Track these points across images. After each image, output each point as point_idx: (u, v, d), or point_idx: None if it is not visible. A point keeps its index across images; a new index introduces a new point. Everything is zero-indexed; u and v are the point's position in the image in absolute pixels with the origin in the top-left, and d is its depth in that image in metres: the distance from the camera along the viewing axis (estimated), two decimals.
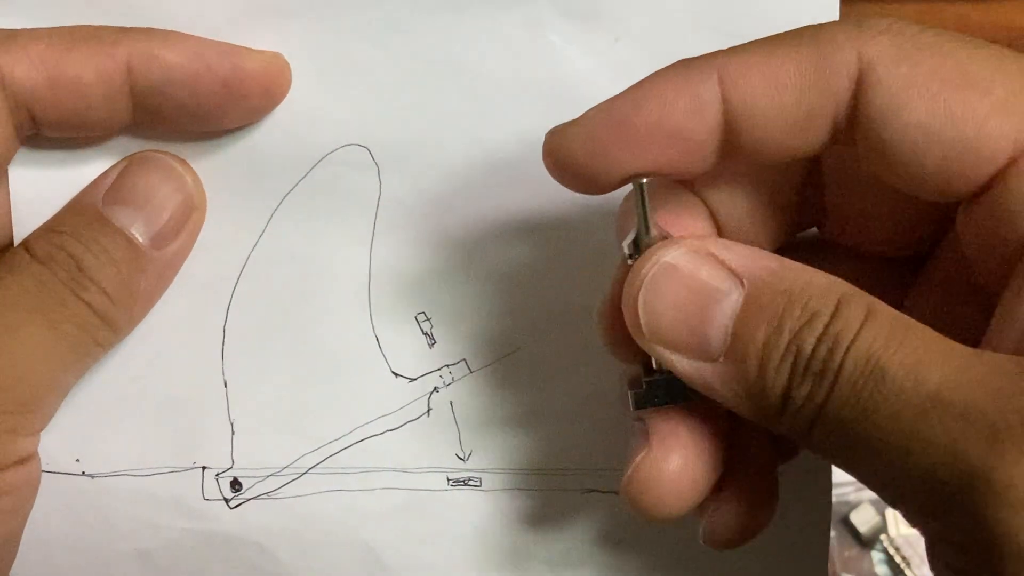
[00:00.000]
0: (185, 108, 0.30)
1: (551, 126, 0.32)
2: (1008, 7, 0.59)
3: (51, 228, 0.31)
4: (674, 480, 0.27)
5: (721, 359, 0.25)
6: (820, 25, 0.26)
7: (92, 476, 0.33)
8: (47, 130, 0.31)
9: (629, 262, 0.27)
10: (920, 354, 0.22)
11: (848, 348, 0.23)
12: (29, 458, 0.31)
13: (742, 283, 0.24)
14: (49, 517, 0.33)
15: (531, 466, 0.34)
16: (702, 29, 0.32)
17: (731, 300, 0.24)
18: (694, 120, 0.25)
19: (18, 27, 0.30)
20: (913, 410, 0.22)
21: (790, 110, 0.25)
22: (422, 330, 0.33)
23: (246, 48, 0.31)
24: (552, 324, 0.33)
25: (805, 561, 0.35)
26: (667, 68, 0.26)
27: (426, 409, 0.34)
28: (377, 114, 0.32)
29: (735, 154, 0.26)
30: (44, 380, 0.30)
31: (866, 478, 0.24)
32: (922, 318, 0.24)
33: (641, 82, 0.26)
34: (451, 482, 0.34)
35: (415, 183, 0.33)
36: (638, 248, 0.26)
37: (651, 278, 0.25)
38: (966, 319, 0.27)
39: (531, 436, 0.34)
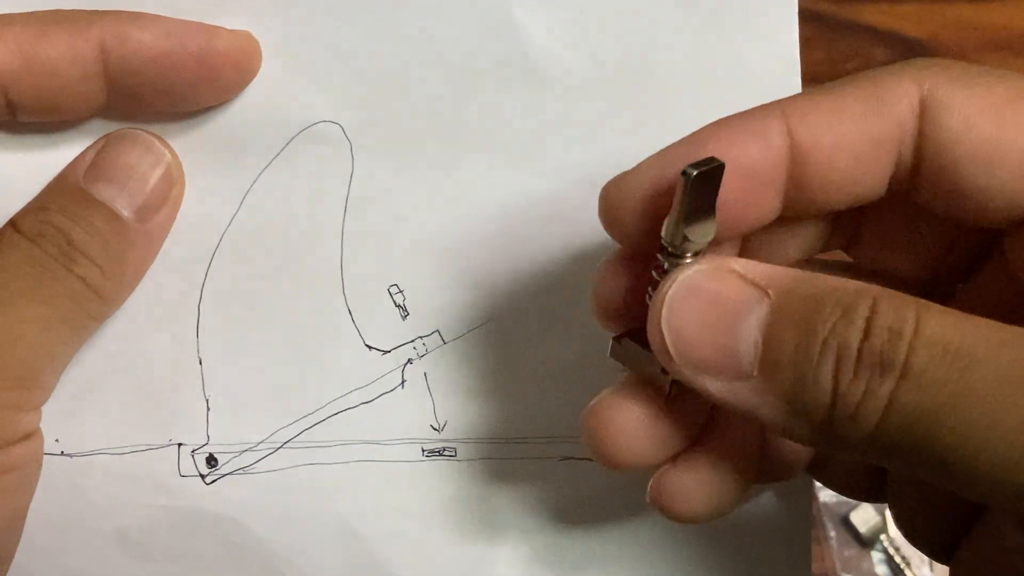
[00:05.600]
0: (158, 87, 0.31)
1: (520, 98, 0.33)
2: (1008, 7, 0.60)
3: (37, 206, 0.31)
4: (627, 428, 0.27)
5: (755, 374, 0.24)
6: (877, 68, 0.26)
7: (71, 456, 0.33)
8: (23, 115, 0.31)
9: (667, 254, 0.26)
10: (996, 329, 0.22)
11: (914, 336, 0.22)
12: (33, 434, 0.32)
13: (768, 294, 0.24)
14: None
15: (506, 435, 0.34)
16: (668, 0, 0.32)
17: (758, 312, 0.24)
18: (760, 155, 0.25)
19: None
20: (1015, 381, 0.21)
21: (855, 140, 0.25)
22: (395, 302, 0.34)
23: (217, 27, 0.31)
24: (525, 294, 0.34)
25: (789, 554, 0.35)
26: (728, 116, 0.26)
27: (400, 381, 0.34)
28: (348, 91, 0.32)
29: (800, 198, 0.26)
30: (42, 355, 0.30)
31: (945, 469, 0.22)
32: None
33: (702, 128, 0.26)
34: (426, 453, 0.34)
35: (387, 158, 0.33)
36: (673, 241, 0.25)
37: (672, 298, 0.25)
38: None
39: (505, 405, 0.34)
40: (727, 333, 0.24)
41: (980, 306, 0.28)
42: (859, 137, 0.25)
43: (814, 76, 0.59)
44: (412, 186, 0.33)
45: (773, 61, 0.33)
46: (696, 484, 0.28)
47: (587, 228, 0.33)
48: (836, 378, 0.23)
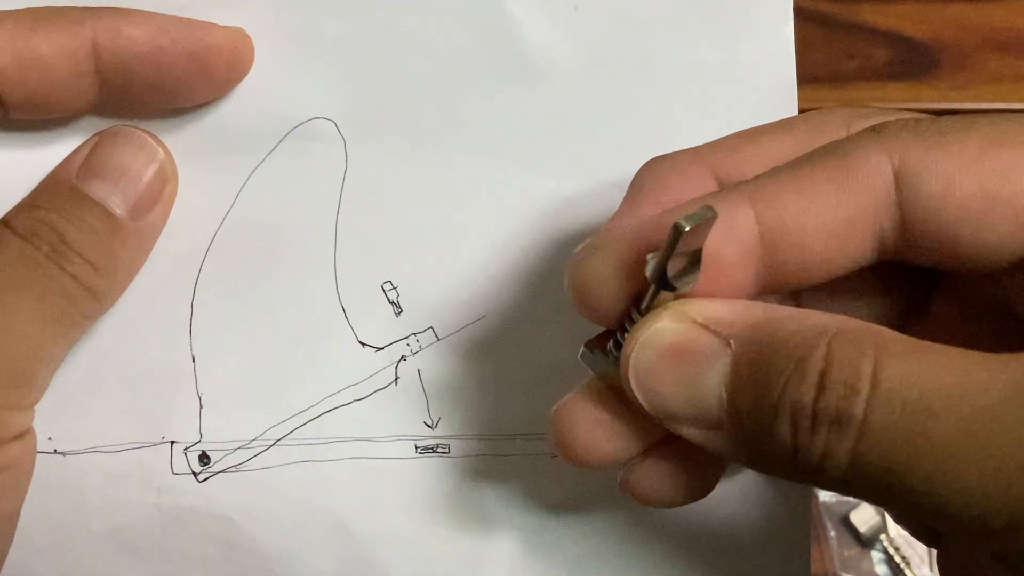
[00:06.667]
0: (151, 84, 0.31)
1: (512, 95, 0.33)
2: (1008, 7, 0.59)
3: (30, 204, 0.31)
4: (593, 430, 0.27)
5: (725, 426, 0.24)
6: (841, 140, 0.25)
7: (64, 454, 0.33)
8: (15, 112, 0.31)
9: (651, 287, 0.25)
10: (959, 375, 0.21)
11: (872, 389, 0.21)
12: (26, 432, 0.32)
13: (729, 345, 0.24)
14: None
15: (499, 432, 0.34)
16: None
17: (720, 366, 0.24)
18: (725, 243, 0.24)
19: None
20: (975, 433, 0.21)
21: (828, 222, 0.25)
22: (388, 299, 0.34)
23: (209, 23, 0.31)
24: (519, 290, 0.33)
25: (787, 553, 0.35)
26: (693, 200, 0.25)
27: (394, 378, 0.34)
28: (342, 87, 0.32)
29: (778, 279, 0.26)
30: (36, 353, 0.30)
31: (916, 512, 0.22)
32: (948, 325, 0.23)
33: (668, 211, 0.25)
34: (419, 450, 0.34)
35: (380, 155, 0.33)
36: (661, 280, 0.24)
37: (637, 357, 0.25)
38: (988, 327, 0.26)
39: (499, 402, 0.34)
40: (695, 388, 0.24)
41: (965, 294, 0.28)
42: (831, 219, 0.24)
43: (814, 76, 0.59)
44: (406, 182, 0.33)
45: (769, 58, 0.33)
46: (663, 477, 0.28)
47: (581, 225, 0.33)
48: (795, 435, 0.22)
